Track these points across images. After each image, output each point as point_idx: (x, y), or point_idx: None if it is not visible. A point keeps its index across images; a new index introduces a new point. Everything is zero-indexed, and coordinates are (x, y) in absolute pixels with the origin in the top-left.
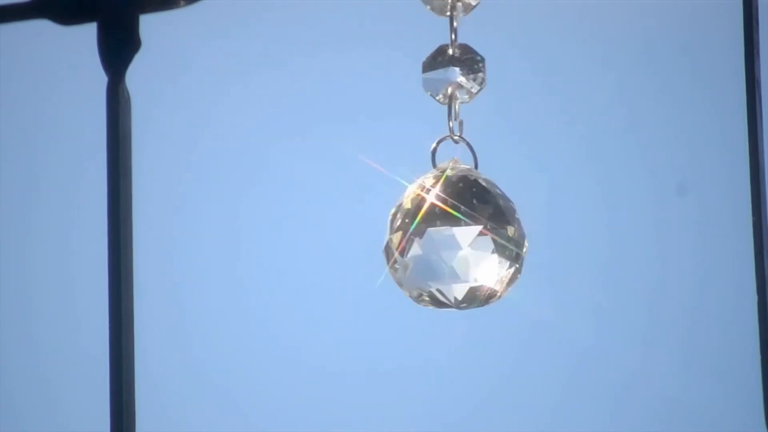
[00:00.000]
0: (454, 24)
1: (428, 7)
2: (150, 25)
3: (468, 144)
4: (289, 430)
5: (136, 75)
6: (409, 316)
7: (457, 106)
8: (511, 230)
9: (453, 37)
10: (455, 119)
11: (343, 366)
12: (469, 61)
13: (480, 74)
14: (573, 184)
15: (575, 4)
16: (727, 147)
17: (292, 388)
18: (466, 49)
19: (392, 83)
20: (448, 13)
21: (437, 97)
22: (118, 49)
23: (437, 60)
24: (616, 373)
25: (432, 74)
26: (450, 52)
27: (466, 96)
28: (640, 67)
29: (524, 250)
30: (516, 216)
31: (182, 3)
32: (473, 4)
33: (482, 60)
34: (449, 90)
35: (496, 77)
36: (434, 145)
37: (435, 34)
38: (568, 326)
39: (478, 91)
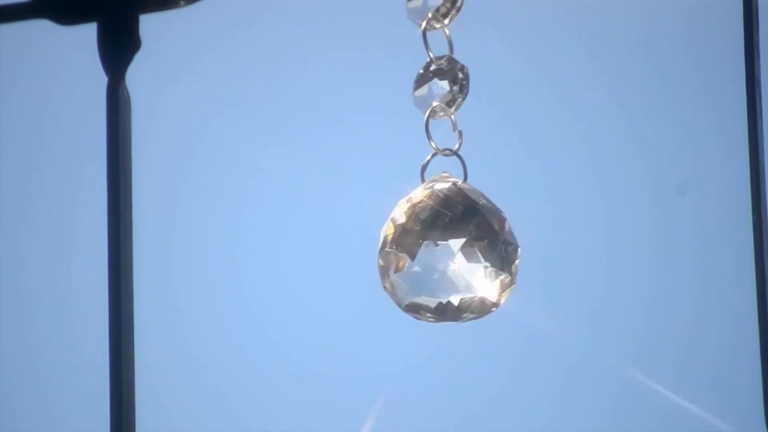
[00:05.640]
0: (434, 36)
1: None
2: (150, 25)
3: (459, 156)
4: (288, 431)
5: (136, 75)
6: (405, 322)
7: (453, 117)
8: (502, 240)
9: (430, 54)
10: (454, 129)
11: (339, 374)
12: (452, 71)
13: (464, 83)
14: (571, 185)
15: (574, 3)
16: (727, 147)
17: (291, 391)
18: (448, 60)
19: (394, 88)
20: (427, 26)
21: (426, 113)
22: (118, 49)
23: (422, 76)
24: (615, 372)
25: (419, 92)
26: (432, 66)
27: (453, 108)
28: (639, 66)
29: (517, 259)
30: (507, 225)
31: (182, 3)
32: (454, 14)
33: (464, 68)
34: (434, 104)
35: (490, 78)
36: (428, 158)
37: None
38: (566, 328)
39: (463, 100)
